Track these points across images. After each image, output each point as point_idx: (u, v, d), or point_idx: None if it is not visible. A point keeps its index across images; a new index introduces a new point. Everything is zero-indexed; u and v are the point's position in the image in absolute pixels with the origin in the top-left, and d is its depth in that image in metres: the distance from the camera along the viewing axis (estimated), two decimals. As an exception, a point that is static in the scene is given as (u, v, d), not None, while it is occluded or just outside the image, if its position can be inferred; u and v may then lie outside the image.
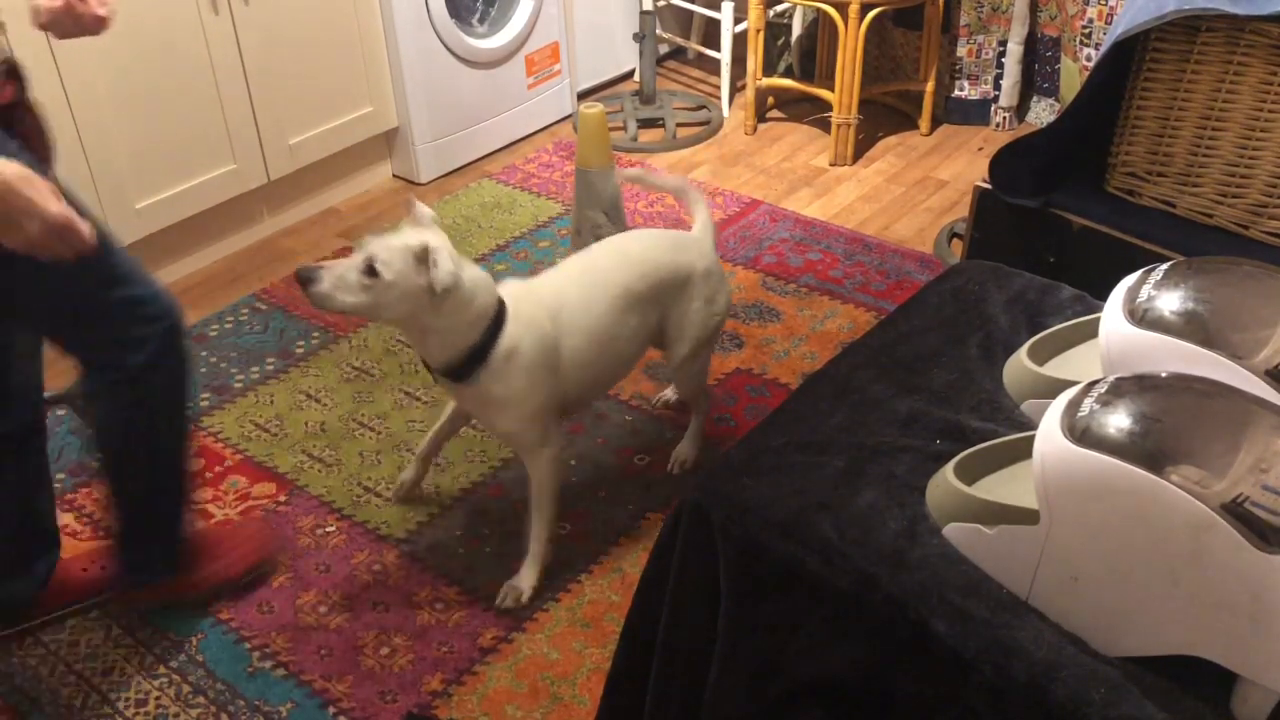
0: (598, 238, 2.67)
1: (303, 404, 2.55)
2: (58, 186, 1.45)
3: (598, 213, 2.66)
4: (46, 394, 2.51)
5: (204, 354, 2.71)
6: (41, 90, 2.52)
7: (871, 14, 3.27)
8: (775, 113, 3.87)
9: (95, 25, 1.68)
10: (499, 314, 1.86)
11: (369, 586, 2.08)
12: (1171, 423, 1.07)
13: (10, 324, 1.78)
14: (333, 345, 2.72)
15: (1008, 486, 1.25)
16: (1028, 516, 1.13)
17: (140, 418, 1.78)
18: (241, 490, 2.31)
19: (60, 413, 2.52)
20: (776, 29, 3.98)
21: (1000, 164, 2.11)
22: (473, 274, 1.83)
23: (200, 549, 2.01)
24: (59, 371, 2.67)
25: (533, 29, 3.52)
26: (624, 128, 3.70)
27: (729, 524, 1.29)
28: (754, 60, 3.63)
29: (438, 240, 1.76)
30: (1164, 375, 1.13)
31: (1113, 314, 1.30)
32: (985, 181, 2.14)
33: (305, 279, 1.72)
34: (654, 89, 3.79)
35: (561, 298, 1.96)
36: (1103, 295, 1.37)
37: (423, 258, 1.72)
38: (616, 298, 1.99)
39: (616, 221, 2.66)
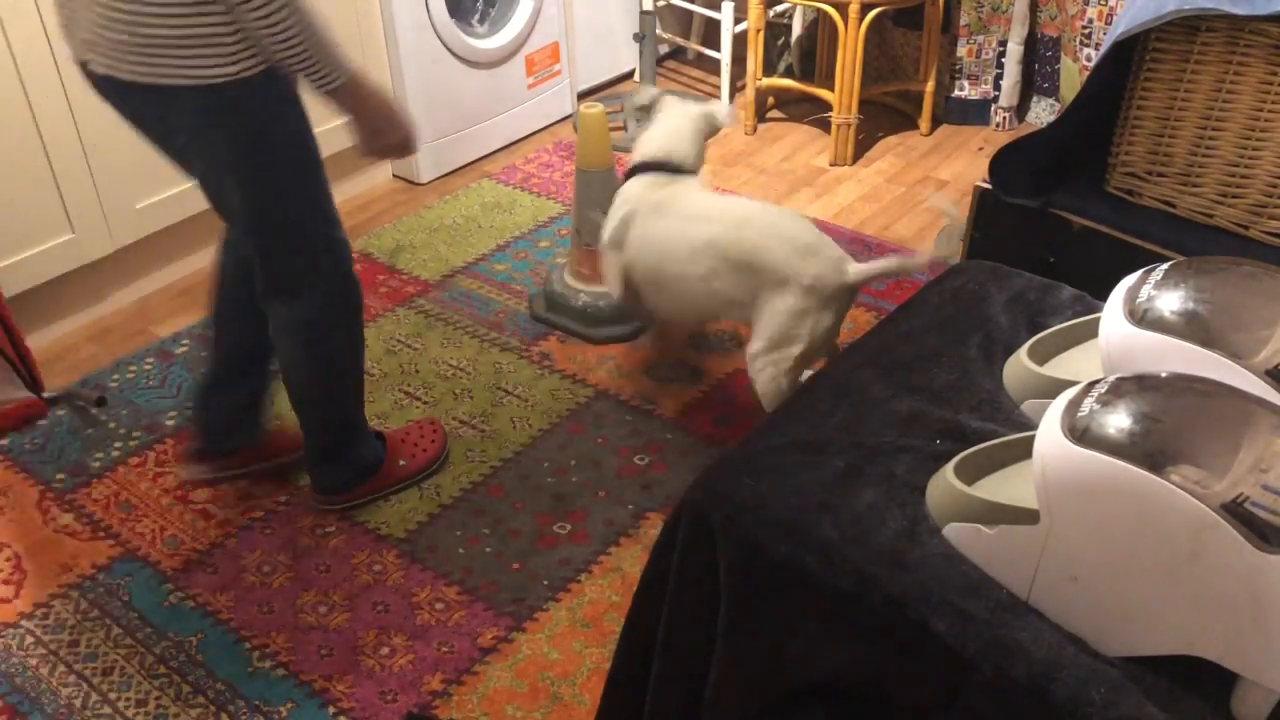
0: (598, 239, 2.67)
1: (303, 404, 2.54)
2: None
3: (598, 213, 2.66)
4: (46, 394, 2.53)
5: (204, 354, 2.71)
6: (41, 90, 2.53)
7: (871, 14, 3.27)
8: (775, 113, 3.87)
9: None
10: (646, 170, 2.33)
11: (369, 586, 2.08)
12: (1171, 423, 1.07)
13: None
14: (333, 345, 2.72)
15: (1008, 486, 1.25)
16: (1028, 516, 1.13)
17: (317, 356, 2.06)
18: (241, 490, 2.30)
19: (60, 413, 2.53)
20: (776, 29, 3.98)
21: (1000, 164, 2.11)
22: (661, 129, 2.39)
23: (390, 448, 2.28)
24: (58, 372, 2.67)
25: (533, 29, 3.52)
26: (624, 128, 3.70)
27: (729, 524, 1.29)
28: (754, 60, 3.63)
29: (667, 101, 2.43)
30: (1164, 375, 1.13)
31: (1113, 314, 1.30)
32: (985, 181, 2.14)
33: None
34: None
35: (673, 205, 2.26)
36: (1103, 295, 1.37)
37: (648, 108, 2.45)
38: (698, 239, 2.19)
39: None
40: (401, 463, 2.28)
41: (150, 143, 1.88)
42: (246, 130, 1.76)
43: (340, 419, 2.17)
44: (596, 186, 2.65)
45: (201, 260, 3.07)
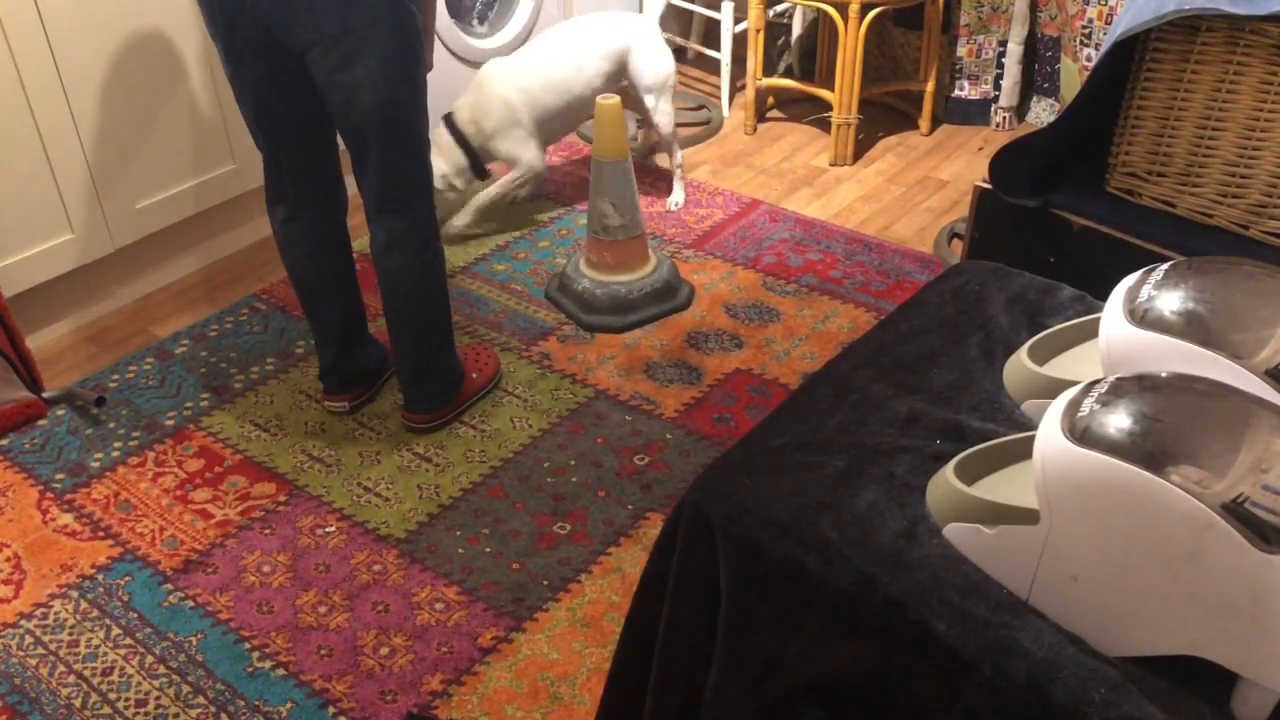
0: (605, 228, 2.70)
1: (303, 404, 2.55)
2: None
3: (605, 203, 2.68)
4: (46, 394, 2.53)
5: (204, 354, 2.71)
6: (40, 90, 2.53)
7: (871, 14, 3.27)
8: (775, 113, 3.87)
9: None
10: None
11: (369, 586, 2.08)
12: (1171, 423, 1.07)
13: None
14: (333, 345, 2.72)
15: (1008, 486, 1.25)
16: (1028, 516, 1.13)
17: (427, 261, 2.28)
18: (241, 490, 2.31)
19: (60, 412, 2.52)
20: (776, 29, 3.98)
21: (1000, 164, 2.11)
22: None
23: (465, 364, 2.49)
24: (58, 372, 2.67)
25: (533, 29, 3.52)
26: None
27: (729, 524, 1.29)
28: (754, 60, 3.63)
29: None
30: (1164, 375, 1.13)
31: (1113, 314, 1.30)
32: (985, 181, 2.14)
33: None
34: (654, 89, 3.79)
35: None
36: (1103, 295, 1.37)
37: None
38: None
39: (624, 213, 2.69)
40: (474, 375, 2.50)
41: (314, 55, 2.03)
42: (407, 27, 2.04)
43: (441, 325, 2.37)
44: (609, 176, 2.67)
45: (201, 260, 3.07)
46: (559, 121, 3.08)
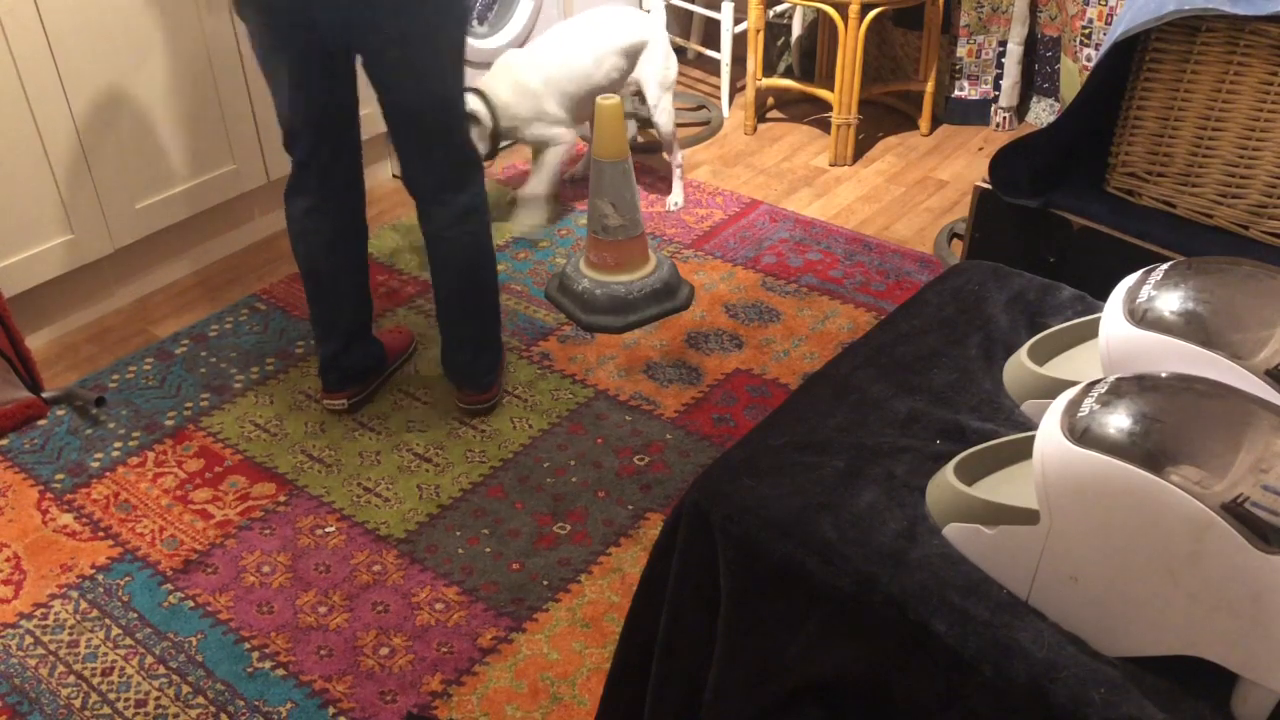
0: (605, 228, 2.70)
1: (303, 404, 2.55)
2: None
3: (605, 203, 2.69)
4: (45, 394, 2.53)
5: (204, 354, 2.72)
6: (41, 90, 2.53)
7: (871, 14, 3.27)
8: (775, 113, 3.87)
9: None
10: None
11: (369, 586, 2.08)
12: (1171, 423, 1.07)
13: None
14: (333, 345, 2.72)
15: (1008, 486, 1.25)
16: (1028, 516, 1.13)
17: (488, 237, 2.33)
18: (241, 490, 2.31)
19: (60, 413, 2.52)
20: (776, 29, 3.98)
21: (1000, 164, 2.11)
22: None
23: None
24: (58, 372, 2.67)
25: (533, 29, 3.52)
26: (624, 128, 3.70)
27: (729, 524, 1.29)
28: (754, 60, 3.63)
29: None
30: (1164, 375, 1.13)
31: (1113, 314, 1.30)
32: (985, 181, 2.14)
33: None
34: (654, 89, 3.79)
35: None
36: (1103, 295, 1.37)
37: None
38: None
39: (624, 213, 2.69)
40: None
41: (364, 41, 2.09)
42: (465, 17, 2.14)
43: (497, 293, 2.44)
44: (609, 176, 2.67)
45: (201, 260, 3.07)
46: (584, 109, 3.10)
